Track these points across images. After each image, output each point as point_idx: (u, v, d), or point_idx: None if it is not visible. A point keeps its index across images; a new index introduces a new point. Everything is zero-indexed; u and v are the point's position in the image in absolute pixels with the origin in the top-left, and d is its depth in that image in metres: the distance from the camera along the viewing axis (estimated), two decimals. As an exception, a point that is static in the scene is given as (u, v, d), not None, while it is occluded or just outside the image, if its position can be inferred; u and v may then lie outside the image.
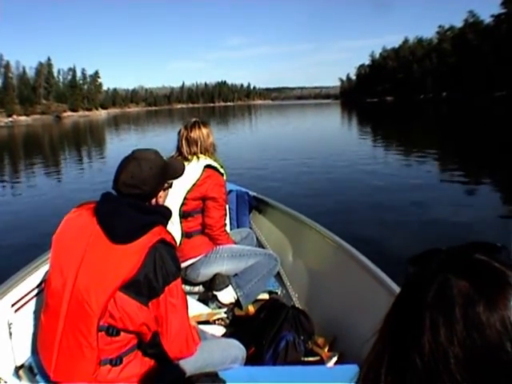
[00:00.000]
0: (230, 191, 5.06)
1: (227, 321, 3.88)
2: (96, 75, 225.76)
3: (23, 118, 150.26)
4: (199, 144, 3.90)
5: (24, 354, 2.80)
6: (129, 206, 2.27)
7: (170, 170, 2.59)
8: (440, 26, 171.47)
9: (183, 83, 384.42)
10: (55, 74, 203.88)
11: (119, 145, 32.62)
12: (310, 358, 3.22)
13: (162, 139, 33.67)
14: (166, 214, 2.44)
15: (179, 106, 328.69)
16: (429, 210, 9.82)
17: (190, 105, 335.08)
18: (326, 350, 3.35)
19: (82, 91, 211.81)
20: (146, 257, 2.14)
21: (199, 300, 3.98)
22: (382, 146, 24.17)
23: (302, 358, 3.19)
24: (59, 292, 2.22)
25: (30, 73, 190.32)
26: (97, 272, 2.17)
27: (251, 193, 5.49)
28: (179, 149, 3.94)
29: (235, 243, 4.18)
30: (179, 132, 3.99)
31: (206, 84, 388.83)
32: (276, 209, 5.27)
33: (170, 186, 2.65)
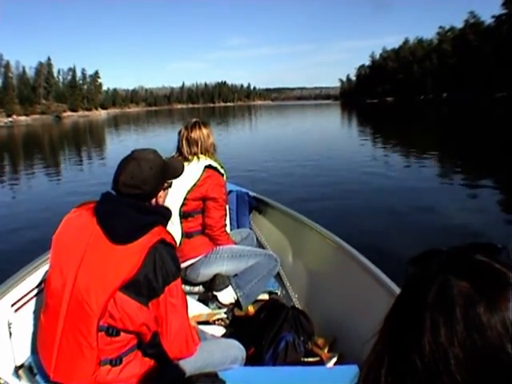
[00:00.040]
0: (230, 191, 5.06)
1: (227, 321, 3.88)
2: (96, 75, 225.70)
3: (23, 117, 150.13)
4: (199, 144, 3.90)
5: (24, 354, 2.80)
6: (129, 206, 2.27)
7: (169, 170, 2.59)
8: (440, 27, 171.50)
9: (183, 83, 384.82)
10: (55, 74, 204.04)
11: (119, 145, 32.58)
12: (310, 359, 3.22)
13: (162, 139, 33.69)
14: (166, 214, 2.44)
15: (179, 106, 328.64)
16: (429, 211, 9.80)
17: (190, 105, 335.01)
18: (326, 350, 3.35)
19: (81, 91, 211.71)
20: (146, 257, 2.14)
21: (199, 300, 3.97)
22: (383, 147, 24.13)
23: (302, 359, 3.19)
24: (59, 292, 2.22)
25: (30, 73, 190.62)
26: (97, 272, 2.17)
27: (251, 193, 5.49)
28: (179, 149, 3.94)
29: (235, 243, 4.18)
30: (179, 132, 3.99)
31: (206, 84, 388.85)
32: (276, 209, 5.27)
33: (170, 185, 2.65)
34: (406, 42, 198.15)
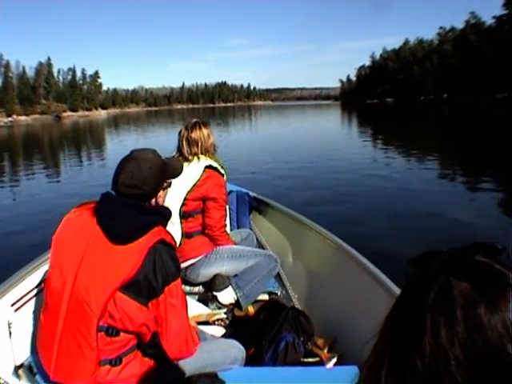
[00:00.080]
0: (231, 192, 5.06)
1: (227, 321, 3.88)
2: (96, 75, 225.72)
3: (23, 117, 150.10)
4: (200, 144, 3.90)
5: (24, 354, 2.81)
6: (128, 206, 2.27)
7: (169, 170, 2.59)
8: (441, 28, 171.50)
9: (183, 84, 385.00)
10: (55, 74, 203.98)
11: (119, 145, 32.54)
12: (310, 359, 3.22)
13: (163, 139, 33.70)
14: (166, 214, 2.44)
15: (179, 106, 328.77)
16: (429, 212, 9.80)
17: (190, 105, 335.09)
18: (326, 351, 3.34)
19: (81, 91, 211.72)
20: (146, 257, 2.14)
21: (199, 300, 3.98)
22: (383, 147, 24.13)
23: (302, 359, 3.19)
24: (59, 292, 2.22)
25: (30, 73, 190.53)
26: (96, 272, 2.17)
27: (251, 193, 5.49)
28: (180, 149, 3.94)
29: (235, 244, 4.18)
30: (180, 132, 3.99)
31: (206, 84, 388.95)
32: (276, 210, 5.27)
33: (169, 185, 2.65)
34: (407, 42, 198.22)
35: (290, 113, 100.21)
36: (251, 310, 4.05)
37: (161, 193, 2.54)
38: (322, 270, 4.17)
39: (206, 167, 3.85)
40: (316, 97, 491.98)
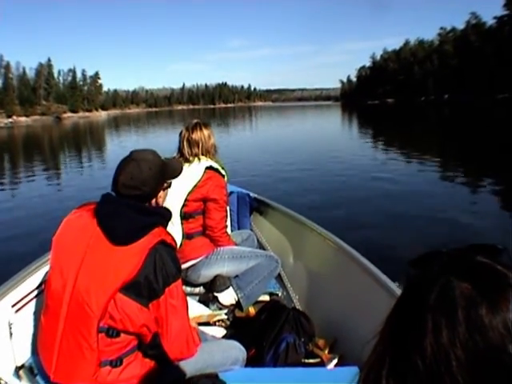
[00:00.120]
0: (231, 193, 5.07)
1: (228, 322, 3.87)
2: (96, 76, 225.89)
3: (23, 118, 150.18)
4: (200, 145, 3.90)
5: (24, 355, 2.81)
6: (128, 207, 2.27)
7: (168, 170, 2.59)
8: (442, 28, 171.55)
9: (184, 84, 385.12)
10: (55, 75, 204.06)
11: (119, 146, 32.54)
12: (311, 360, 3.21)
13: (163, 140, 33.70)
14: (166, 215, 2.43)
15: (180, 107, 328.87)
16: (430, 212, 9.80)
17: (191, 106, 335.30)
18: (327, 351, 3.34)
19: (82, 92, 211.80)
20: (147, 258, 2.14)
21: (200, 301, 3.98)
22: (383, 148, 24.14)
23: (303, 360, 3.19)
24: (59, 293, 2.22)
25: (30, 74, 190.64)
26: (97, 273, 2.16)
27: (252, 194, 5.49)
28: (180, 150, 3.94)
29: (236, 245, 4.18)
30: (180, 133, 3.99)
31: (206, 85, 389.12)
32: (277, 210, 5.27)
33: (169, 185, 2.65)
34: (407, 43, 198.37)
35: (290, 114, 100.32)
36: (252, 310, 4.05)
37: (161, 193, 2.54)
38: (323, 270, 4.17)
39: (207, 168, 3.85)
40: (316, 98, 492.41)
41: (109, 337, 2.17)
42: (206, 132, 3.95)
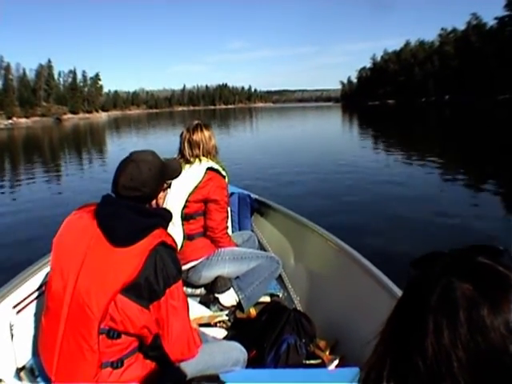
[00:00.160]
0: (232, 194, 5.07)
1: (229, 323, 3.87)
2: (97, 77, 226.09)
3: (23, 120, 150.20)
4: (201, 146, 3.90)
5: (25, 356, 2.81)
6: (129, 208, 2.26)
7: (168, 171, 2.58)
8: (442, 29, 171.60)
9: (184, 86, 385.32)
10: (56, 76, 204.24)
11: (120, 147, 32.47)
12: (312, 361, 3.21)
13: (164, 141, 33.68)
14: (167, 216, 2.43)
15: (180, 108, 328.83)
16: (430, 213, 9.79)
17: (191, 107, 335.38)
18: (328, 352, 3.34)
19: (82, 93, 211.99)
20: (147, 259, 2.14)
21: (201, 302, 3.98)
22: (384, 149, 24.10)
23: (304, 361, 3.18)
24: (60, 295, 2.22)
25: (31, 75, 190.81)
26: (97, 275, 2.16)
27: (253, 195, 5.49)
28: (181, 151, 3.94)
29: (237, 246, 4.18)
30: (181, 134, 3.99)
31: (207, 87, 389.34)
32: (278, 211, 5.26)
33: (169, 186, 2.65)
34: (408, 44, 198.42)
35: (291, 115, 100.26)
36: (253, 312, 4.04)
37: (161, 194, 2.54)
38: (324, 271, 4.17)
39: (208, 169, 3.84)
40: (317, 99, 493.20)
41: (109, 338, 2.17)
42: (206, 133, 3.95)
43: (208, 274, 3.97)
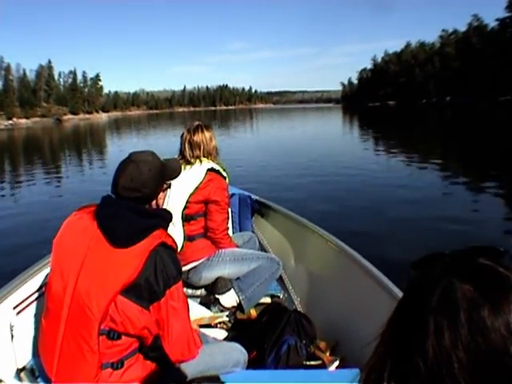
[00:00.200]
0: (233, 195, 5.08)
1: (229, 324, 3.88)
2: (97, 78, 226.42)
3: (23, 120, 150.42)
4: (202, 147, 3.90)
5: (25, 357, 2.81)
6: (129, 209, 2.26)
7: (168, 171, 2.58)
8: (443, 30, 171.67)
9: (184, 87, 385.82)
10: (56, 77, 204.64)
11: (120, 148, 32.47)
12: (312, 362, 3.21)
13: (164, 142, 33.67)
14: (167, 217, 2.42)
15: (180, 109, 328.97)
16: (431, 215, 9.79)
17: (192, 108, 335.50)
18: (328, 354, 3.34)
19: (82, 94, 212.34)
20: (147, 260, 2.14)
21: (201, 303, 3.98)
22: (385, 150, 24.06)
23: (304, 362, 3.18)
24: (60, 296, 2.22)
25: (31, 75, 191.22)
26: (97, 276, 2.16)
27: (254, 196, 5.50)
28: (182, 152, 3.94)
29: (237, 247, 4.18)
30: (182, 135, 3.99)
31: (207, 87, 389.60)
32: (278, 212, 5.26)
33: (169, 186, 2.65)
34: (408, 45, 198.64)
35: (292, 116, 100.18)
36: (253, 312, 4.04)
37: (161, 194, 2.54)
38: (325, 273, 4.17)
39: (209, 170, 3.85)
40: (317, 100, 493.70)
41: (110, 339, 2.17)
42: (207, 134, 3.95)
43: (208, 275, 3.97)
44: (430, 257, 0.81)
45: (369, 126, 50.15)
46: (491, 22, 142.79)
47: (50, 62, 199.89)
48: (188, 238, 3.87)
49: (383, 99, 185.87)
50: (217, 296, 3.99)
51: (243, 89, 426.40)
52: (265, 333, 3.28)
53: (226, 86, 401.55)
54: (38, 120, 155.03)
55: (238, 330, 3.71)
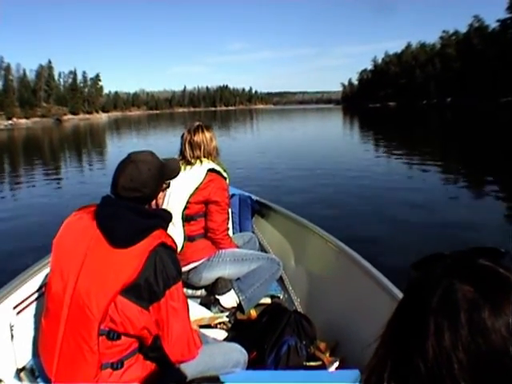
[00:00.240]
0: (233, 195, 5.08)
1: (229, 325, 3.88)
2: (97, 78, 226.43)
3: (23, 120, 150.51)
4: (202, 148, 3.90)
5: (25, 357, 2.81)
6: (129, 209, 2.26)
7: (167, 170, 2.58)
8: (444, 31, 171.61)
9: (185, 87, 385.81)
10: (56, 77, 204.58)
11: (120, 149, 32.45)
12: (312, 363, 3.21)
13: (164, 143, 33.65)
14: (167, 217, 2.42)
15: (181, 109, 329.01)
16: (431, 216, 9.80)
17: (192, 109, 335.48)
18: (328, 354, 3.34)
19: (82, 94, 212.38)
20: (147, 260, 2.14)
21: (201, 304, 3.98)
22: (386, 151, 24.07)
23: (304, 363, 3.18)
24: (60, 296, 2.22)
25: (31, 75, 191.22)
26: (97, 276, 2.16)
27: (254, 197, 5.50)
28: (182, 152, 3.94)
29: (238, 247, 4.18)
30: (182, 136, 3.99)
31: (207, 88, 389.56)
32: (278, 213, 5.27)
33: (168, 186, 2.64)
34: (409, 46, 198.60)
35: (292, 117, 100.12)
36: (253, 313, 4.05)
37: (160, 194, 2.54)
38: (325, 273, 4.17)
39: (209, 170, 3.85)
40: (318, 101, 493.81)
41: (109, 339, 2.17)
42: (207, 134, 3.95)
43: (209, 276, 3.97)
44: (431, 257, 0.81)
45: (369, 128, 50.13)
46: (492, 23, 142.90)
47: (50, 62, 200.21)
48: (188, 239, 3.87)
49: (383, 100, 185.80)
50: (217, 296, 3.99)
51: (243, 89, 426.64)
52: (265, 333, 3.28)
53: (226, 86, 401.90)
54: (37, 120, 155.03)
55: (238, 330, 3.72)
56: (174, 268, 2.22)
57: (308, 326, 3.39)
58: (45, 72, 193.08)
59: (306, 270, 4.44)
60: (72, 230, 2.35)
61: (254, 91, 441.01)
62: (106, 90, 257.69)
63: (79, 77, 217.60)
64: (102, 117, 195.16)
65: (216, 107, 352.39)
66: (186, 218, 3.85)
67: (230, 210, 4.10)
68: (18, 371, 2.75)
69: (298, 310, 4.10)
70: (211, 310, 3.91)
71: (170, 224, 2.44)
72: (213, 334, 3.44)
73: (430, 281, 0.76)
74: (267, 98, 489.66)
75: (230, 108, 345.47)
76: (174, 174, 2.72)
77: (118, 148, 33.79)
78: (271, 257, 4.31)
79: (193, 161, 3.87)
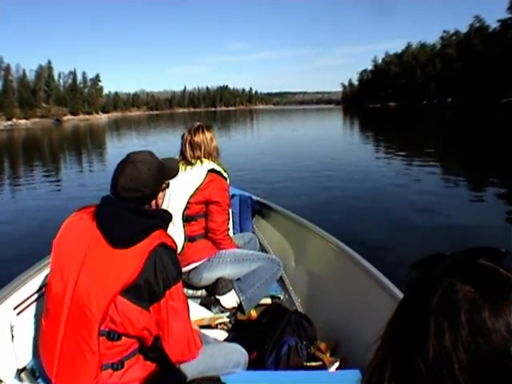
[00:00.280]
0: (234, 195, 5.08)
1: (229, 325, 3.88)
2: (97, 79, 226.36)
3: (23, 121, 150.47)
4: (203, 148, 3.90)
5: (26, 357, 2.81)
6: (128, 210, 2.26)
7: (166, 170, 2.58)
8: (445, 31, 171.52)
9: (185, 87, 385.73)
10: (55, 78, 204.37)
11: (120, 150, 32.44)
12: (313, 363, 3.21)
13: (164, 143, 33.64)
14: (166, 217, 2.42)
15: (181, 110, 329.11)
16: (432, 216, 9.81)
17: (192, 109, 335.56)
18: (329, 354, 3.34)
19: (82, 95, 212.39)
20: (147, 261, 2.13)
21: (202, 304, 3.99)
22: (386, 152, 24.06)
23: (305, 363, 3.18)
24: (60, 296, 2.22)
25: (30, 76, 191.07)
26: (97, 276, 2.16)
27: (254, 197, 5.50)
28: (183, 153, 3.94)
29: (238, 247, 4.17)
30: (183, 136, 3.99)
31: (207, 88, 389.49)
32: (279, 213, 5.27)
33: (168, 185, 2.64)
34: (409, 46, 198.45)
35: (292, 117, 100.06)
36: (254, 313, 4.04)
37: (160, 194, 2.54)
38: (325, 273, 4.17)
39: (209, 171, 3.85)
40: (318, 101, 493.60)
41: (110, 340, 2.17)
42: (208, 135, 3.95)
43: (209, 276, 3.97)
44: (431, 258, 0.81)
45: (370, 128, 50.13)
46: (493, 23, 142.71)
47: (49, 62, 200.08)
48: (188, 239, 3.87)
49: (384, 100, 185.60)
50: (217, 297, 3.99)
51: (243, 90, 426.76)
52: (265, 334, 3.28)
53: (226, 86, 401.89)
54: (37, 121, 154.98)
55: (239, 330, 3.71)
56: (174, 268, 2.22)
57: (308, 326, 3.39)
58: (44, 72, 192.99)
59: (307, 271, 4.44)
60: (72, 231, 2.35)
61: (254, 91, 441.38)
62: (105, 91, 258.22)
63: (79, 77, 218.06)
64: (102, 117, 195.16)
65: (216, 107, 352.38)
66: (187, 219, 3.85)
67: (230, 211, 4.10)
68: (19, 372, 2.75)
69: (299, 310, 4.10)
70: (211, 311, 3.91)
71: (171, 224, 2.44)
72: (213, 334, 3.44)
73: (430, 281, 0.76)
74: (267, 98, 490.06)
75: (230, 108, 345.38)
76: (173, 173, 2.72)
77: (117, 149, 33.74)
78: (271, 257, 4.31)
79: (193, 161, 3.87)
